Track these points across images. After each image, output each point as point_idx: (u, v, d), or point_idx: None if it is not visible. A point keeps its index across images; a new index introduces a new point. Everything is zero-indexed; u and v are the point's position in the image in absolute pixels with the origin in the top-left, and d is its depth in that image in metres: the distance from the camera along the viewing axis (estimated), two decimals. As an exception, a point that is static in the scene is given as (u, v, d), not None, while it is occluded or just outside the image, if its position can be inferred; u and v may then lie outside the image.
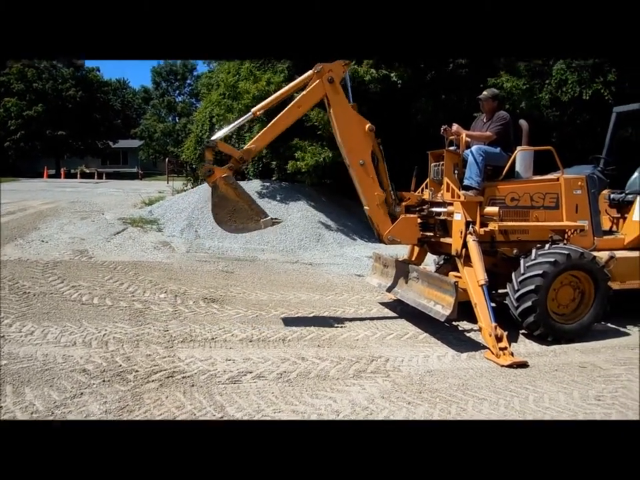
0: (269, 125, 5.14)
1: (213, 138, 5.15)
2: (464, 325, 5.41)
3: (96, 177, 32.43)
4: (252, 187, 11.87)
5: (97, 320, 5.03)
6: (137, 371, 3.85)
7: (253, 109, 5.19)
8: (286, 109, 5.15)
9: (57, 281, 6.31)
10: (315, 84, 5.06)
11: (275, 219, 5.34)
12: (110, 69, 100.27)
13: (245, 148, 5.15)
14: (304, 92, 5.15)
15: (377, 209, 5.28)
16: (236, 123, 5.43)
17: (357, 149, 5.17)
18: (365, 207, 5.37)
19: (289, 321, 5.35)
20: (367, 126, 5.17)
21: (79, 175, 33.47)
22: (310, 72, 5.09)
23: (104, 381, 3.65)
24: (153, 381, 3.70)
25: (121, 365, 3.95)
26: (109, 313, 5.30)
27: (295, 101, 5.15)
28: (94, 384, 3.59)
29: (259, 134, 5.22)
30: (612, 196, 6.46)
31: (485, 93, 5.71)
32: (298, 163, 10.96)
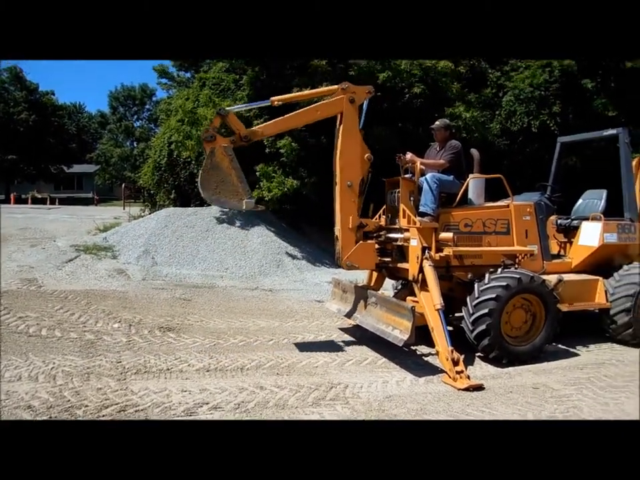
0: (284, 116, 5.29)
1: (227, 108, 5.20)
2: (422, 349, 5.47)
3: (48, 202, 31.33)
4: (211, 212, 11.78)
5: (44, 352, 4.80)
6: (86, 406, 3.68)
7: (272, 98, 5.33)
8: (304, 108, 5.35)
9: (3, 312, 6.00)
10: (337, 97, 5.27)
11: (257, 204, 5.31)
12: (65, 93, 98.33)
13: (253, 129, 5.24)
14: (326, 100, 5.39)
15: (347, 232, 5.34)
16: (252, 104, 5.53)
17: (350, 169, 5.30)
18: (336, 227, 5.42)
19: (247, 349, 5.26)
20: (367, 155, 5.37)
21: (29, 200, 32.26)
22: (336, 86, 5.33)
23: (50, 417, 3.47)
24: (103, 416, 3.54)
25: (69, 400, 3.76)
26: (58, 344, 5.08)
27: (315, 105, 5.36)
28: (38, 420, 3.41)
29: (271, 122, 5.35)
30: (559, 221, 6.77)
31: (437, 123, 5.94)
32: (263, 192, 10.97)
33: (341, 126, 5.29)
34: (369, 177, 5.47)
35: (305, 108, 5.38)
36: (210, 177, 4.92)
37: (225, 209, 12.32)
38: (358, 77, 11.29)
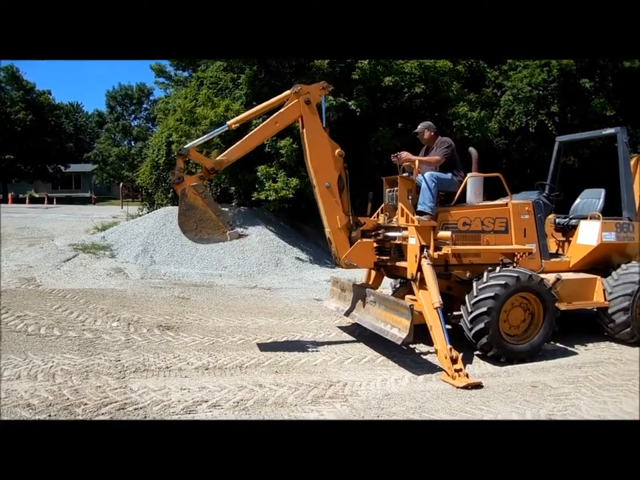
0: (244, 138, 5.19)
1: (186, 146, 5.12)
2: (420, 347, 5.47)
3: (46, 201, 31.29)
4: (209, 212, 11.75)
5: (43, 351, 4.80)
6: (85, 404, 3.68)
7: (228, 122, 5.25)
8: (262, 124, 5.25)
9: (2, 311, 5.99)
10: (292, 103, 5.17)
11: (242, 232, 5.30)
12: (62, 92, 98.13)
13: (217, 159, 5.16)
14: (282, 110, 5.26)
15: (337, 232, 5.32)
16: (210, 134, 5.47)
17: (324, 170, 5.26)
18: (327, 230, 5.41)
19: (246, 347, 5.27)
20: (337, 151, 5.29)
21: (27, 200, 32.20)
22: (288, 91, 5.21)
23: (50, 415, 3.47)
24: (102, 414, 3.54)
25: (68, 398, 3.76)
26: (56, 343, 5.07)
27: (272, 117, 5.23)
28: (39, 419, 3.41)
29: (233, 147, 5.22)
30: (557, 220, 6.78)
31: (419, 126, 5.98)
32: (268, 192, 10.96)
33: (304, 129, 5.21)
34: (346, 172, 5.39)
35: (263, 123, 5.25)
36: (188, 218, 4.94)
37: (224, 207, 12.33)
38: (361, 80, 11.33)
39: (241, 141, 5.19)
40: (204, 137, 5.49)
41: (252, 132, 5.24)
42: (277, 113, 5.25)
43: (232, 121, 5.27)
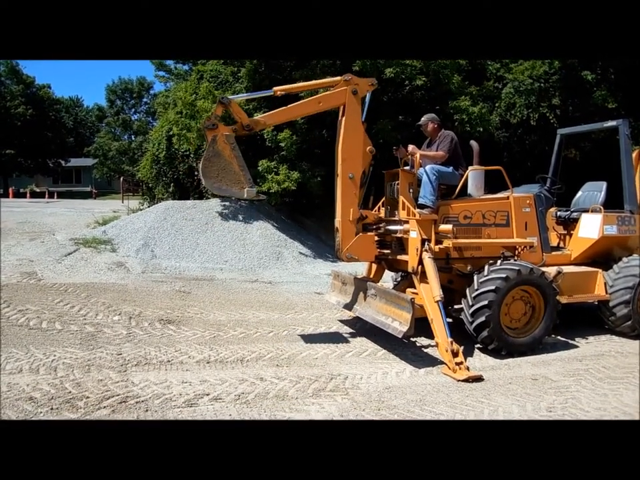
0: (287, 107, 5.29)
1: (229, 97, 5.16)
2: (421, 340, 5.48)
3: (47, 196, 31.29)
4: (210, 205, 11.76)
5: (45, 345, 4.81)
6: (87, 397, 3.69)
7: (275, 88, 5.32)
8: (307, 99, 5.34)
9: (3, 305, 6.01)
10: (340, 89, 5.25)
11: (260, 193, 5.31)
12: (62, 87, 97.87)
13: (255, 118, 5.21)
14: (328, 92, 5.35)
15: (347, 224, 5.33)
16: (254, 93, 5.52)
17: (352, 162, 5.29)
18: (337, 219, 5.41)
19: (247, 341, 5.28)
20: (369, 147, 5.35)
21: (28, 194, 32.20)
22: (339, 77, 5.30)
23: (52, 408, 3.49)
24: (104, 407, 3.56)
25: (70, 392, 3.78)
26: (58, 337, 5.09)
27: (317, 96, 5.33)
28: (41, 412, 3.42)
29: (274, 111, 5.34)
30: (558, 213, 6.77)
31: (423, 118, 5.98)
32: (270, 184, 10.96)
33: (344, 118, 5.27)
34: (370, 169, 5.46)
35: (308, 99, 5.37)
36: (211, 164, 4.88)
37: (225, 201, 12.34)
38: (361, 72, 11.26)
39: (282, 108, 5.29)
40: (247, 94, 5.58)
41: (295, 104, 5.31)
42: (322, 93, 5.30)
43: (279, 88, 5.33)
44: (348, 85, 5.23)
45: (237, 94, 11.72)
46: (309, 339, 5.48)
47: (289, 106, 5.30)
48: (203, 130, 5.05)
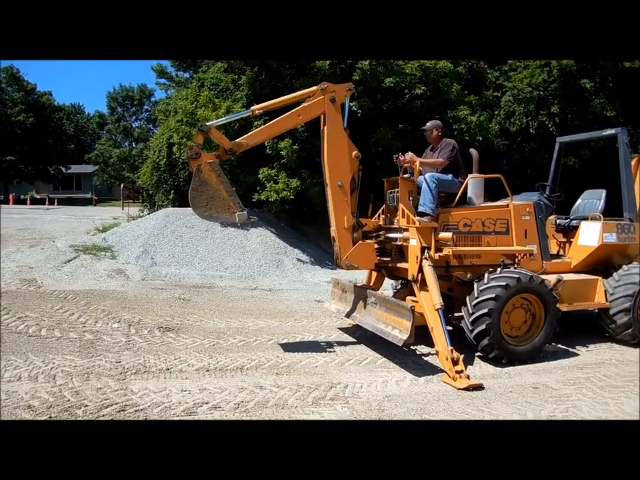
0: (266, 125, 5.31)
1: (208, 123, 5.18)
2: (422, 348, 5.47)
3: (47, 202, 31.30)
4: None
5: (44, 352, 4.80)
6: (86, 406, 3.68)
7: (252, 107, 5.32)
8: (286, 114, 5.30)
9: (2, 312, 5.99)
10: (317, 99, 5.24)
11: (251, 216, 5.33)
12: (63, 94, 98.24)
13: (236, 141, 5.19)
14: (306, 103, 5.32)
15: (343, 232, 5.33)
16: (232, 116, 5.52)
17: (339, 170, 5.29)
18: (332, 228, 5.41)
19: (247, 349, 5.26)
20: (354, 152, 5.35)
21: (28, 201, 32.22)
22: (315, 87, 5.29)
23: (50, 417, 3.47)
24: (103, 415, 3.54)
25: (69, 400, 3.76)
26: (57, 344, 5.07)
27: (296, 109, 5.29)
28: (39, 420, 3.40)
29: (254, 131, 5.38)
30: (558, 221, 6.78)
31: (428, 124, 5.99)
32: (269, 193, 10.97)
33: (325, 127, 5.27)
34: (359, 174, 5.45)
35: (287, 113, 5.31)
36: (199, 194, 4.93)
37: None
38: (361, 81, 11.32)
39: (262, 127, 5.32)
40: (226, 117, 5.56)
41: (274, 120, 5.30)
42: (301, 106, 5.32)
43: (256, 107, 5.33)
44: (325, 93, 5.21)
45: (237, 102, 11.79)
46: (309, 347, 5.46)
47: (268, 124, 5.32)
48: (187, 160, 5.06)
